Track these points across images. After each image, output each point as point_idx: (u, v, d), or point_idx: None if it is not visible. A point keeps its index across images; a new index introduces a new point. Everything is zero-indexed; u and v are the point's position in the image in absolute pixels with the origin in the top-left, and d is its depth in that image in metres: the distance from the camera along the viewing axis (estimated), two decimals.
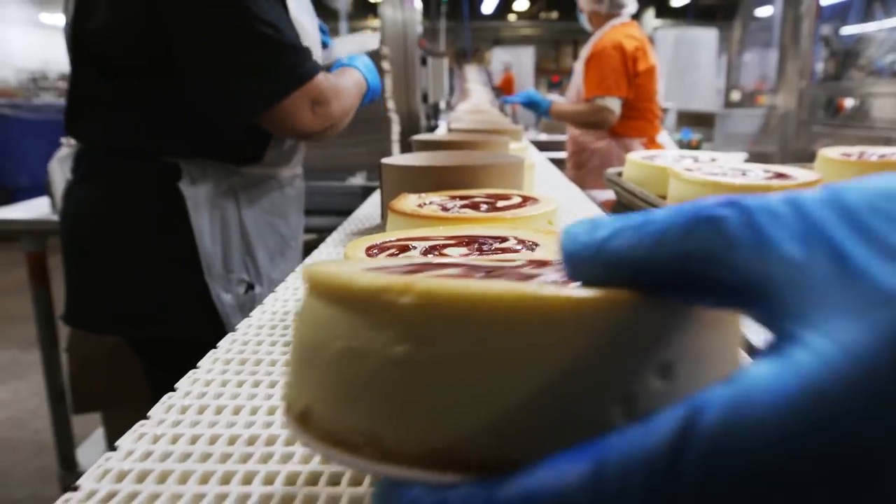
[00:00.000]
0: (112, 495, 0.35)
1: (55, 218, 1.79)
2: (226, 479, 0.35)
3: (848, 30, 6.07)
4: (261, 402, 0.45)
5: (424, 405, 0.21)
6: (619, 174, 1.28)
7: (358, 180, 2.44)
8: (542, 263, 0.33)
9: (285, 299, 0.66)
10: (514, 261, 0.35)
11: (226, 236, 1.14)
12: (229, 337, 0.56)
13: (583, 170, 2.69)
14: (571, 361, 0.20)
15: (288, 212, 1.30)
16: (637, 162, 1.22)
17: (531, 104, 2.81)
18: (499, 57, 11.21)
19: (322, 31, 1.53)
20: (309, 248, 1.04)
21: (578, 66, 2.68)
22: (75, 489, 0.34)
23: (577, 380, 0.20)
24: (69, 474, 1.88)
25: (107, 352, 1.79)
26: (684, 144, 5.32)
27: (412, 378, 0.21)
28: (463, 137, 1.27)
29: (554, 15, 17.36)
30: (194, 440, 0.40)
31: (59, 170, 1.70)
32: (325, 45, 1.65)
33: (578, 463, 0.17)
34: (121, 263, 1.11)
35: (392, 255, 0.51)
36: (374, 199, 1.39)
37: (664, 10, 14.38)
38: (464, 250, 0.53)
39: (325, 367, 0.23)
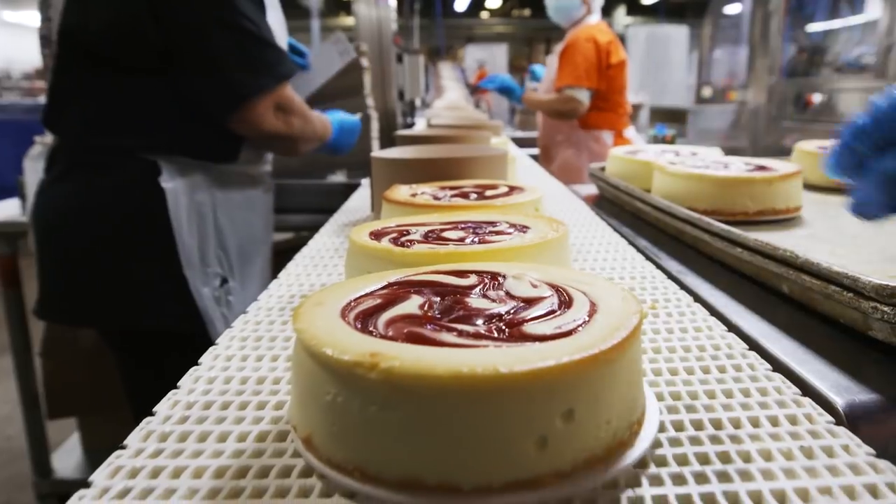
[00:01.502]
0: (126, 491, 0.32)
1: (26, 220, 1.74)
2: (241, 474, 0.34)
3: (814, 26, 6.16)
4: (267, 398, 0.43)
5: (393, 448, 0.30)
6: (602, 169, 1.28)
7: (339, 178, 2.42)
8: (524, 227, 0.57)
9: (279, 295, 0.64)
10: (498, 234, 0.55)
11: (202, 231, 1.16)
12: (227, 333, 0.54)
13: (553, 163, 2.72)
14: (495, 418, 0.29)
15: (260, 208, 1.32)
16: (620, 157, 1.22)
17: (505, 90, 2.85)
18: (472, 54, 11.20)
19: (301, 53, 1.63)
20: (294, 245, 1.05)
21: (552, 60, 2.73)
22: (87, 485, 0.32)
23: (501, 430, 0.29)
24: (44, 481, 1.84)
25: (82, 355, 1.75)
26: (659, 140, 5.36)
27: (382, 429, 0.30)
28: (446, 132, 1.27)
29: (526, 12, 17.41)
30: (204, 437, 0.38)
31: (32, 168, 1.65)
32: (302, 68, 1.68)
33: None
34: (98, 256, 1.11)
35: (393, 239, 0.55)
36: (361, 194, 1.36)
37: (635, 8, 14.49)
38: (460, 234, 0.56)
39: (320, 409, 0.32)
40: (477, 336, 0.33)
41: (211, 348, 0.51)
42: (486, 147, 1.09)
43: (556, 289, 0.40)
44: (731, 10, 7.78)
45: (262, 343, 0.52)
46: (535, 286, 0.40)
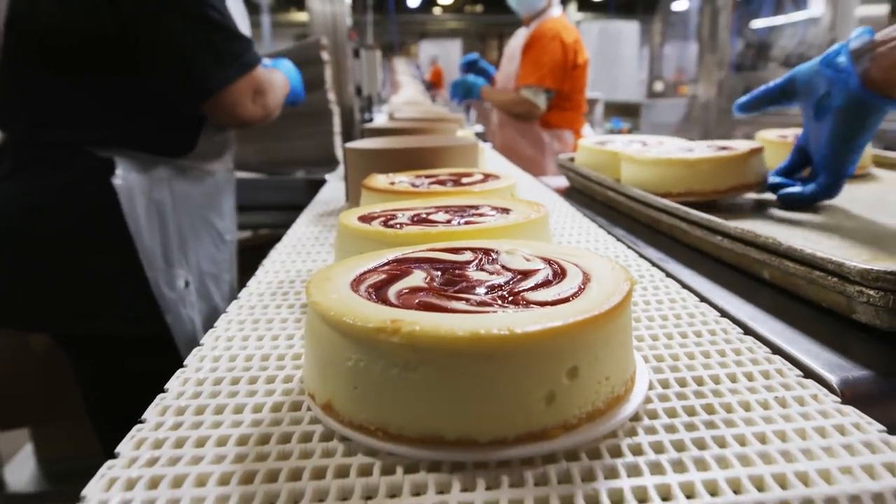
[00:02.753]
0: (154, 460, 0.35)
1: None
2: (248, 479, 0.33)
3: (760, 22, 6.35)
4: (275, 373, 0.44)
5: (415, 406, 0.33)
6: (571, 160, 1.30)
7: (301, 174, 2.40)
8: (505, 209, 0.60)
9: (268, 281, 0.65)
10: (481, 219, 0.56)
11: (164, 230, 1.13)
12: (224, 318, 0.55)
13: (513, 158, 2.72)
14: (509, 376, 0.32)
15: (221, 205, 1.30)
16: (590, 147, 1.24)
17: (466, 86, 2.78)
18: (426, 50, 11.21)
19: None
20: (256, 244, 1.04)
21: (511, 52, 2.68)
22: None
23: (514, 386, 0.32)
24: None
25: (34, 364, 1.70)
26: (615, 133, 5.46)
27: (405, 389, 0.32)
28: (414, 125, 1.29)
29: (479, 9, 17.46)
30: (220, 410, 0.39)
31: None
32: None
33: None
34: (50, 258, 1.07)
35: (382, 222, 0.57)
36: (330, 186, 1.37)
37: (586, 4, 14.67)
38: (446, 216, 0.58)
39: (341, 375, 0.35)
40: (483, 304, 0.36)
41: (210, 331, 0.52)
42: (458, 137, 1.11)
43: (549, 261, 0.43)
44: (679, 6, 7.96)
45: (260, 324, 0.54)
46: (528, 260, 0.43)
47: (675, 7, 8.27)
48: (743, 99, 0.94)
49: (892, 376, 0.45)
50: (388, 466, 0.33)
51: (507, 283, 0.39)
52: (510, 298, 0.37)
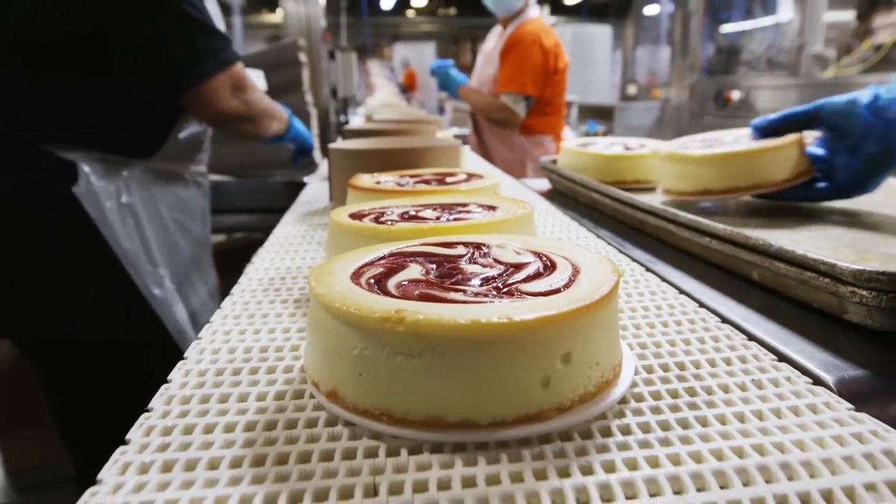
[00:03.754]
0: (165, 446, 0.36)
1: None
2: (259, 462, 0.35)
3: (730, 27, 6.47)
4: (275, 364, 0.46)
5: (418, 391, 0.35)
6: (554, 161, 1.30)
7: (279, 177, 2.39)
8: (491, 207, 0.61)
9: (259, 279, 0.66)
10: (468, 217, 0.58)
11: (142, 232, 1.13)
12: (219, 313, 0.56)
13: (492, 162, 2.70)
14: (507, 361, 0.34)
15: (194, 208, 1.27)
16: (572, 150, 1.24)
17: (444, 82, 2.73)
18: (400, 53, 11.22)
19: None
20: (230, 247, 1.03)
21: (488, 53, 2.64)
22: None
23: (512, 371, 0.34)
24: None
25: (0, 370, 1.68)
26: (591, 136, 5.51)
27: (409, 375, 0.34)
28: (395, 127, 1.30)
29: (452, 11, 17.50)
30: (224, 398, 0.41)
31: None
32: None
33: None
34: (23, 263, 1.05)
35: (373, 219, 0.58)
36: (312, 188, 1.38)
37: (558, 8, 14.79)
38: (435, 213, 0.60)
39: (346, 363, 0.36)
40: (480, 295, 0.38)
41: (207, 325, 0.53)
42: (440, 138, 1.13)
43: (538, 255, 0.45)
44: (651, 10, 8.07)
45: (255, 319, 0.55)
46: (518, 253, 0.45)
47: (646, 11, 8.38)
48: (762, 122, 0.90)
49: (886, 375, 0.46)
50: (393, 448, 0.35)
51: (500, 275, 0.41)
52: (504, 290, 0.38)
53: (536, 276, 0.41)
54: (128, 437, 0.37)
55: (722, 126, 4.86)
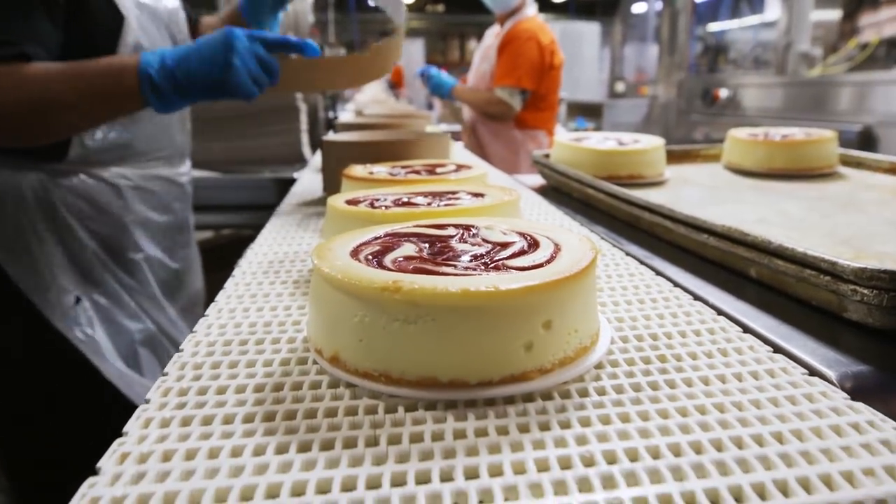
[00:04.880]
0: (182, 405, 0.39)
1: None
2: (269, 417, 0.38)
3: (717, 25, 6.53)
4: (278, 335, 0.49)
5: (414, 354, 0.38)
6: (546, 156, 1.28)
7: (267, 172, 2.39)
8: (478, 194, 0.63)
9: (259, 262, 0.70)
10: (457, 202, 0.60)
11: (43, 245, 0.98)
12: (223, 293, 0.60)
13: (485, 159, 2.71)
14: (494, 326, 0.38)
15: (137, 214, 1.09)
16: (566, 144, 1.22)
17: (437, 85, 2.77)
18: None
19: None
20: (226, 242, 0.99)
21: (485, 50, 2.68)
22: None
23: (498, 335, 0.38)
24: None
25: None
26: (580, 132, 5.55)
27: (405, 339, 0.38)
28: (386, 121, 1.33)
29: (440, 8, 17.50)
30: (234, 364, 0.44)
31: None
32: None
33: None
34: None
35: (368, 205, 0.61)
36: (304, 181, 1.41)
37: (546, 6, 14.84)
38: (427, 199, 0.64)
39: (348, 330, 0.40)
40: (469, 269, 0.41)
41: (212, 304, 0.57)
42: (430, 132, 1.16)
43: (523, 235, 0.48)
44: (639, 8, 8.13)
45: (258, 298, 0.58)
46: (505, 234, 0.49)
47: (634, 9, 8.44)
48: None
49: (889, 371, 0.46)
50: (391, 406, 0.39)
51: (488, 252, 0.45)
52: (492, 265, 0.42)
53: (521, 253, 0.45)
54: (148, 396, 0.40)
55: (709, 123, 4.87)
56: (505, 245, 0.46)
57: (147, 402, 0.39)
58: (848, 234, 0.76)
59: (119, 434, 0.35)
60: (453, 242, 0.47)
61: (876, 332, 0.51)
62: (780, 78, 4.69)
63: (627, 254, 0.73)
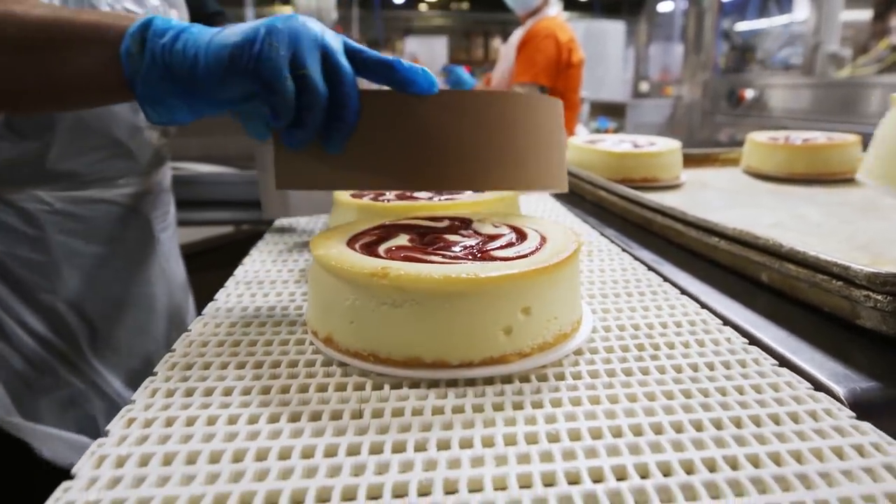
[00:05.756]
0: (186, 377, 0.42)
1: None
2: (265, 391, 0.41)
3: (745, 25, 6.47)
4: (280, 318, 0.52)
5: (400, 336, 0.41)
6: None
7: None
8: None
9: (262, 260, 0.73)
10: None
11: None
12: (223, 292, 0.61)
13: None
14: (475, 311, 0.40)
15: (49, 252, 0.82)
16: (580, 146, 1.22)
17: (457, 82, 2.78)
18: (411, 47, 11.28)
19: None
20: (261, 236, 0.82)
21: (506, 51, 2.71)
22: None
23: (479, 320, 0.41)
24: None
25: None
26: (601, 132, 5.54)
27: (392, 322, 0.41)
28: None
29: (465, 6, 17.48)
30: (237, 343, 0.47)
31: None
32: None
33: None
34: None
35: (372, 198, 0.63)
36: None
37: (571, 4, 14.77)
38: (427, 193, 0.65)
39: (340, 312, 0.43)
40: (457, 258, 0.44)
41: (221, 290, 0.60)
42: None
43: (514, 228, 0.51)
44: (665, 7, 8.07)
45: (264, 284, 0.62)
46: (496, 227, 0.51)
47: (660, 8, 8.37)
48: None
49: None
50: (378, 384, 0.41)
51: (477, 243, 0.47)
52: (479, 255, 0.45)
53: (509, 244, 0.47)
54: (155, 369, 0.43)
55: (734, 125, 4.80)
56: (494, 237, 0.49)
57: (155, 374, 0.43)
58: (866, 239, 0.74)
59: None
60: (446, 234, 0.50)
61: (890, 344, 0.49)
62: (808, 79, 4.62)
63: (635, 258, 0.72)
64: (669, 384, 0.41)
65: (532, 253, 0.45)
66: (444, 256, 0.44)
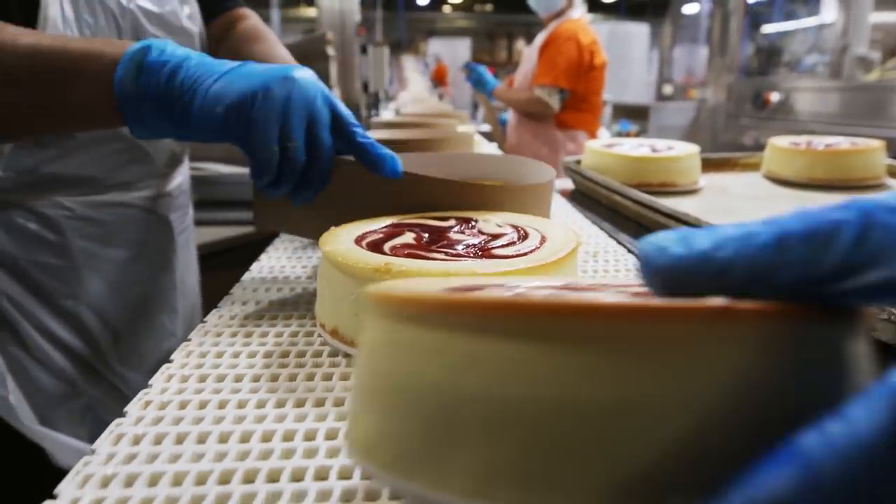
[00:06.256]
0: (200, 364, 0.45)
1: None
2: (274, 378, 0.43)
3: (771, 27, 6.41)
4: (291, 312, 0.55)
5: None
6: (578, 162, 1.27)
7: None
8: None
9: (277, 256, 0.75)
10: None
11: None
12: (239, 286, 0.63)
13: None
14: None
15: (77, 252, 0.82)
16: (596, 150, 1.21)
17: (479, 81, 2.78)
18: (435, 48, 11.33)
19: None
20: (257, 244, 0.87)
21: (529, 53, 2.71)
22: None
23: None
24: None
25: None
26: (623, 135, 5.52)
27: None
28: (418, 119, 1.35)
29: (489, 7, 17.52)
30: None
31: None
32: None
33: (786, 468, 0.15)
34: None
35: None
36: None
37: (596, 6, 14.74)
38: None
39: (345, 306, 0.45)
40: (458, 255, 0.46)
41: (237, 284, 0.62)
42: (452, 133, 1.06)
43: (516, 228, 0.53)
44: (690, 9, 8.03)
45: (279, 279, 0.64)
46: (499, 226, 0.53)
47: (685, 10, 8.32)
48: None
49: None
50: None
51: (479, 242, 0.49)
52: (480, 253, 0.47)
53: (510, 243, 0.49)
54: (172, 357, 0.46)
55: (758, 128, 4.74)
56: (497, 236, 0.51)
57: (171, 361, 0.45)
58: None
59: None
60: (451, 233, 0.52)
61: None
62: (836, 82, 4.55)
63: None
64: None
65: (531, 251, 0.47)
66: (446, 254, 0.46)
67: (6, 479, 0.78)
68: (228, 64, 0.54)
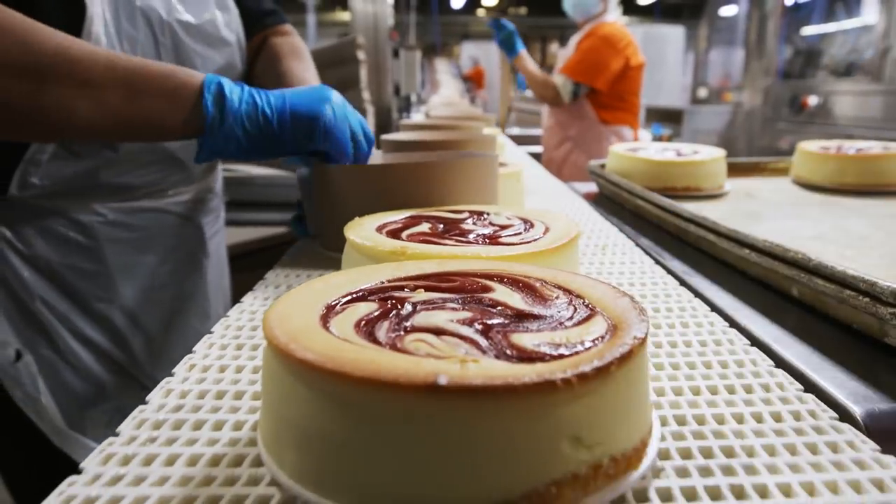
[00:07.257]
0: (207, 367, 0.46)
1: None
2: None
3: (810, 29, 6.29)
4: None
5: None
6: (602, 166, 1.27)
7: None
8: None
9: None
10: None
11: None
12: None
13: (566, 161, 2.69)
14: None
15: (108, 267, 0.84)
16: (621, 154, 1.21)
17: (507, 41, 2.73)
18: (468, 52, 11.36)
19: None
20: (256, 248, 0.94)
21: (564, 55, 2.70)
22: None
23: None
24: None
25: None
26: (655, 139, 5.47)
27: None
28: (446, 122, 1.35)
29: (523, 11, 17.51)
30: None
31: None
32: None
33: None
34: None
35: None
36: None
37: (631, 8, 14.64)
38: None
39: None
40: (468, 243, 0.50)
41: (248, 293, 0.62)
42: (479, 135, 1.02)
43: (524, 220, 0.57)
44: (727, 11, 7.92)
45: (301, 276, 0.66)
46: (509, 218, 0.58)
47: (722, 12, 8.21)
48: None
49: None
50: None
51: (489, 232, 0.54)
52: (488, 241, 0.51)
53: (517, 234, 0.53)
54: (174, 370, 0.46)
55: (796, 132, 4.64)
56: (505, 227, 0.55)
57: (172, 375, 0.45)
58: None
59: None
60: (464, 224, 0.56)
61: None
62: (876, 85, 4.44)
63: (669, 271, 0.71)
64: (683, 407, 0.41)
65: (535, 240, 0.51)
66: (457, 241, 0.50)
67: (29, 476, 0.82)
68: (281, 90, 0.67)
